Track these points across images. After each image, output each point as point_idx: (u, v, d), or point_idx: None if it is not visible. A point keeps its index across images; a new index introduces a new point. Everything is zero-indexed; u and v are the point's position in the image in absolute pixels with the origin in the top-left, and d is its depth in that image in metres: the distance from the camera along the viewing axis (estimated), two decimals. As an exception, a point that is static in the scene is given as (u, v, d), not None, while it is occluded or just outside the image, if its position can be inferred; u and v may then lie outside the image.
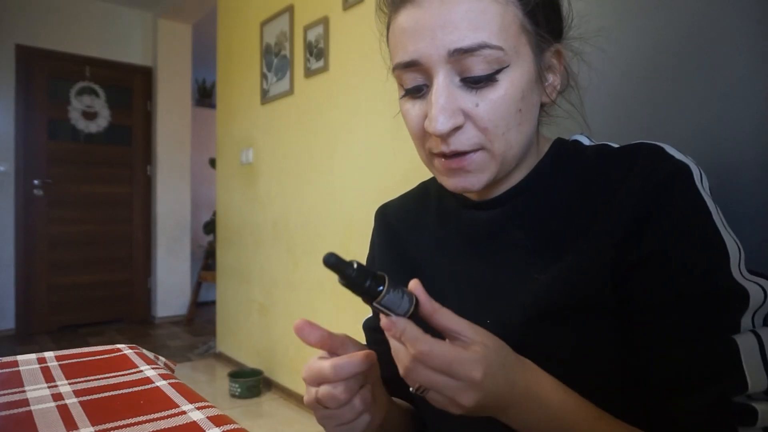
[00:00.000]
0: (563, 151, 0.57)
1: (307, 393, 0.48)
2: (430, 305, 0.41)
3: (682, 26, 0.65)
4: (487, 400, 0.41)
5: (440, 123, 0.47)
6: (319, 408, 0.48)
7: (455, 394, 0.40)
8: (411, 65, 0.49)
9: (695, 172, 0.47)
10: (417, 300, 0.41)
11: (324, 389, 0.46)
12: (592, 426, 0.45)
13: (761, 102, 0.57)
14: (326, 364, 0.45)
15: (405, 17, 0.49)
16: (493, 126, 0.48)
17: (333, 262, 0.37)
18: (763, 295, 0.43)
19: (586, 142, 0.57)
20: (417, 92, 0.51)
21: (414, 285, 0.41)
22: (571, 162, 0.55)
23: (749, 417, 0.41)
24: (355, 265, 0.38)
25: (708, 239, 0.44)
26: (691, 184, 0.46)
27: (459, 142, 0.49)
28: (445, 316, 0.41)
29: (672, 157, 0.47)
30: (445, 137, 0.49)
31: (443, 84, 0.48)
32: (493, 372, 0.40)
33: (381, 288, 0.39)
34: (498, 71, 0.47)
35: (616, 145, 0.53)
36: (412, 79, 0.51)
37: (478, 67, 0.47)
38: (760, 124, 0.58)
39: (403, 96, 0.53)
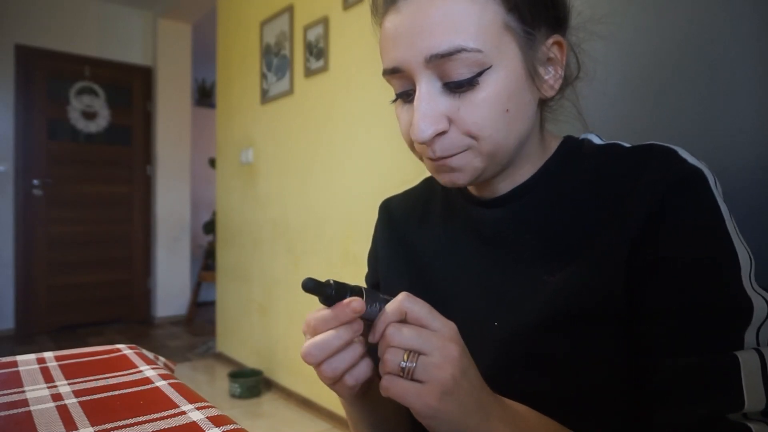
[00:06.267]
0: (572, 149, 0.56)
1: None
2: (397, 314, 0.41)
3: (683, 26, 0.65)
4: (461, 390, 0.39)
5: (421, 130, 0.47)
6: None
7: (431, 370, 0.39)
8: (395, 72, 0.49)
9: (709, 177, 0.45)
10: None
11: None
12: None
13: (761, 102, 0.57)
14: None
15: (388, 23, 0.49)
16: (478, 129, 0.48)
17: (311, 286, 0.40)
18: (767, 310, 0.42)
19: (597, 141, 0.56)
20: (407, 96, 0.51)
21: (401, 297, 0.42)
22: (580, 161, 0.54)
23: None
24: (333, 283, 0.41)
25: (719, 248, 0.43)
26: (705, 189, 0.45)
27: (443, 148, 0.49)
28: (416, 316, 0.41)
29: (685, 160, 0.46)
30: (428, 143, 0.49)
31: (425, 90, 0.48)
32: (465, 366, 0.40)
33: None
34: (479, 74, 0.46)
35: (627, 145, 0.52)
36: (400, 85, 0.51)
37: (457, 71, 0.46)
38: (761, 125, 0.57)
39: (395, 99, 0.53)
